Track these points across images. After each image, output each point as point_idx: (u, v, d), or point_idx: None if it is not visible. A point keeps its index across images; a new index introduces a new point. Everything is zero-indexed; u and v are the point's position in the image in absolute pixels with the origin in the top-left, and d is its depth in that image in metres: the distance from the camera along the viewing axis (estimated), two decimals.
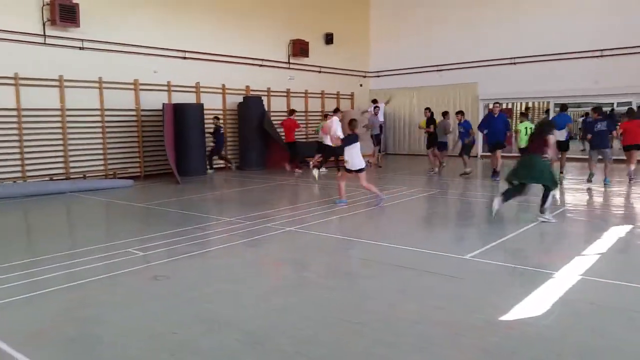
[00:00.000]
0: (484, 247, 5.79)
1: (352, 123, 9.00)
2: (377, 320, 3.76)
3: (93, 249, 5.97)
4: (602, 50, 15.76)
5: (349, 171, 8.75)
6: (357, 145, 8.67)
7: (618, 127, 12.09)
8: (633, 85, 15.37)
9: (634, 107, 14.75)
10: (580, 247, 5.75)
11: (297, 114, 16.30)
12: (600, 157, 11.25)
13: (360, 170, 8.66)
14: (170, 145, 12.70)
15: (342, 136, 10.90)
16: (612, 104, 16.69)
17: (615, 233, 6.41)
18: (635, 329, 3.51)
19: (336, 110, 13.87)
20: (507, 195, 7.42)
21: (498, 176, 12.00)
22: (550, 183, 7.18)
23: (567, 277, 4.63)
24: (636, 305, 3.94)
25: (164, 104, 12.87)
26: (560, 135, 11.30)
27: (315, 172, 12.73)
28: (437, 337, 3.47)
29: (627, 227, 6.78)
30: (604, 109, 13.81)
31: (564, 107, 13.16)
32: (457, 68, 18.89)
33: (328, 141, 12.63)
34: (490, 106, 13.31)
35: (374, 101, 18.05)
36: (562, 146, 12.03)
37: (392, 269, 5.09)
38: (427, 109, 15.13)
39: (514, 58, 17.49)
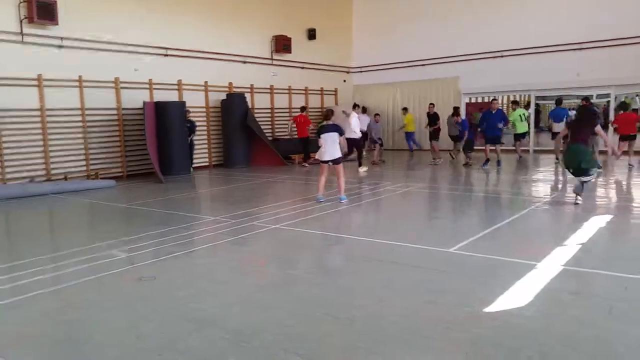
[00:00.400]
0: (468, 240, 5.85)
1: (327, 114, 8.98)
2: (365, 316, 3.78)
3: (77, 251, 5.90)
4: (582, 43, 15.98)
5: (323, 162, 8.75)
6: (329, 135, 8.57)
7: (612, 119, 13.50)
8: (612, 77, 15.63)
9: (612, 99, 15.10)
10: (562, 237, 5.84)
11: (283, 111, 16.36)
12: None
13: (333, 162, 8.61)
14: (152, 144, 12.59)
15: (358, 131, 13.15)
16: (592, 95, 16.94)
17: (596, 223, 6.53)
18: (615, 318, 3.59)
19: (355, 106, 14.96)
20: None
21: (487, 164, 13.23)
22: (592, 166, 7.65)
23: (549, 267, 4.71)
24: (615, 294, 4.03)
25: (144, 102, 12.75)
26: (558, 127, 13.24)
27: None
28: (425, 330, 3.50)
29: (607, 217, 6.91)
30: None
31: (559, 101, 14.47)
32: (439, 62, 19.00)
33: (350, 135, 13.04)
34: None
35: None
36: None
37: (379, 264, 5.12)
38: (432, 104, 16.12)
39: (495, 52, 17.64)
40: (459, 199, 9.42)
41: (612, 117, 15.09)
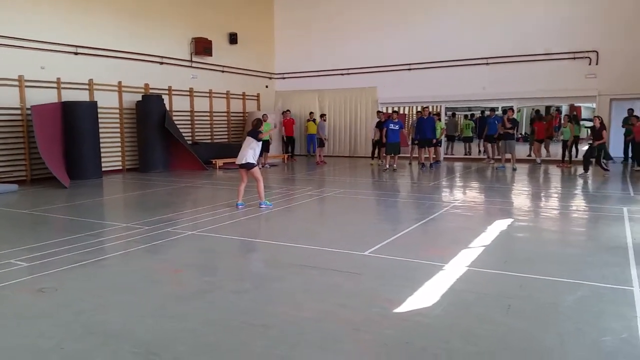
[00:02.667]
0: (381, 243, 6.06)
1: (256, 124, 8.83)
2: (281, 321, 3.79)
3: None
4: (487, 58, 17.12)
5: (239, 167, 8.61)
6: (247, 139, 8.53)
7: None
8: (514, 91, 16.90)
9: (515, 109, 16.41)
10: (468, 240, 6.20)
11: (203, 114, 15.97)
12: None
13: (246, 167, 8.46)
14: (49, 149, 11.67)
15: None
16: (497, 107, 18.27)
17: (498, 226, 7.00)
18: (512, 314, 3.87)
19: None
20: (587, 165, 12.84)
21: (430, 167, 14.98)
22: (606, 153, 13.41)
23: (455, 269, 4.98)
24: (512, 292, 4.34)
25: (32, 106, 11.80)
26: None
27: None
28: (338, 333, 3.57)
29: (509, 221, 7.43)
30: (496, 112, 17.35)
31: (493, 111, 17.27)
32: (358, 72, 19.56)
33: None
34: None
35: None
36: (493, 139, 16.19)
37: (297, 269, 5.15)
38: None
39: (410, 64, 18.46)
40: (375, 203, 9.71)
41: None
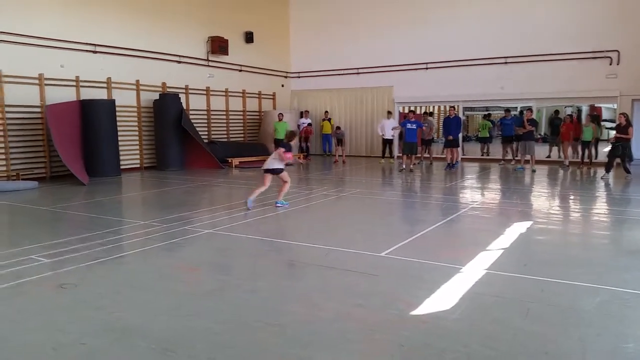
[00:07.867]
0: (398, 244, 6.01)
1: (290, 136, 9.00)
2: (296, 321, 3.78)
3: None
4: (506, 57, 16.91)
5: (265, 171, 8.64)
6: (278, 150, 8.66)
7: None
8: (533, 91, 16.66)
9: (534, 109, 16.13)
10: (486, 242, 6.12)
11: (220, 113, 16.04)
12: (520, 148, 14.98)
13: (273, 172, 8.55)
14: (64, 148, 11.80)
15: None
16: (516, 107, 18.02)
17: (517, 229, 6.90)
18: (532, 318, 3.80)
19: (306, 112, 19.80)
20: (610, 165, 12.63)
21: (450, 167, 14.76)
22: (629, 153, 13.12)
23: (473, 271, 4.92)
24: (532, 296, 4.27)
25: (46, 106, 11.96)
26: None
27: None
28: (353, 333, 3.55)
29: (528, 223, 7.33)
30: (513, 113, 16.95)
31: (508, 112, 16.91)
32: (374, 72, 19.47)
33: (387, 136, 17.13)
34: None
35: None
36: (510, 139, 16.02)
37: (313, 269, 5.14)
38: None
39: (427, 64, 18.32)
40: (392, 204, 9.66)
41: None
